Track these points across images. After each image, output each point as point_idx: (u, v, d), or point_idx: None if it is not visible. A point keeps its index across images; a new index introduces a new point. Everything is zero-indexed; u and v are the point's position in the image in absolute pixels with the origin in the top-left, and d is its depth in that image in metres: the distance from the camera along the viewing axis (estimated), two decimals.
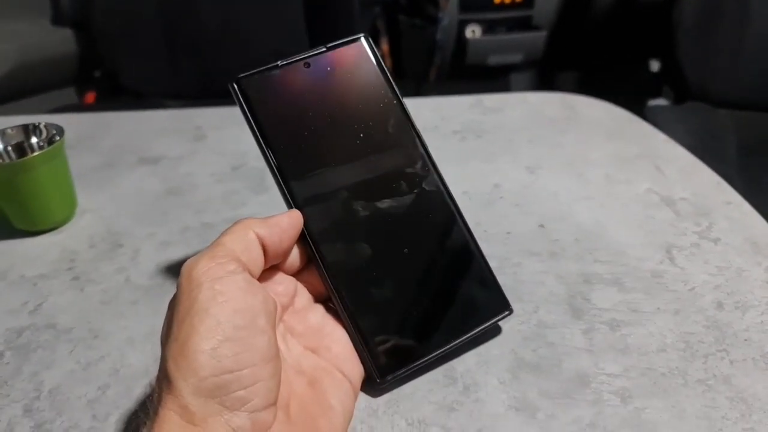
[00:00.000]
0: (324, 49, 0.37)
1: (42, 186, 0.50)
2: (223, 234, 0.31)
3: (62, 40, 1.35)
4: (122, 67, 1.34)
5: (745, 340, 0.37)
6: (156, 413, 0.26)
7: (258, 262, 0.31)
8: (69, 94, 1.42)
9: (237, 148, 0.65)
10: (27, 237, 0.52)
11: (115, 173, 0.62)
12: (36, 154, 0.49)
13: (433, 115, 0.71)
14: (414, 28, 1.73)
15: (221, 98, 0.36)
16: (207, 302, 0.27)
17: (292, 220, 0.33)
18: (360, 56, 0.38)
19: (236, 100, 0.36)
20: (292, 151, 0.35)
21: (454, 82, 1.75)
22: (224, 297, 0.27)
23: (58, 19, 1.35)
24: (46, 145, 0.52)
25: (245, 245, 0.30)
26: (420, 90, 1.77)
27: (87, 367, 0.38)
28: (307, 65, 0.37)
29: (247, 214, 0.52)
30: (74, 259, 0.48)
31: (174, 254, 0.48)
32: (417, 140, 0.38)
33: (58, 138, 0.51)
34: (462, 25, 1.65)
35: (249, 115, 0.35)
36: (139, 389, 0.36)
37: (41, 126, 0.53)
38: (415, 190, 0.37)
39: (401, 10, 1.76)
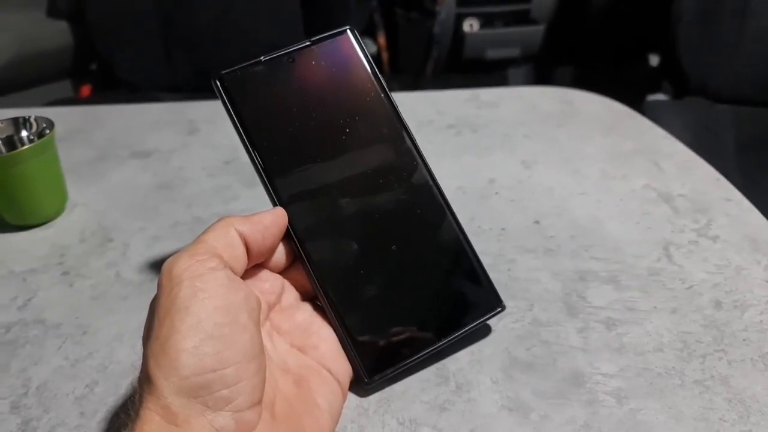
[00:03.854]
0: (308, 43, 0.36)
1: (32, 180, 0.49)
2: (204, 232, 0.30)
3: (57, 33, 1.34)
4: (117, 60, 1.33)
5: (744, 339, 0.37)
6: (137, 414, 0.25)
7: (240, 260, 0.30)
8: (64, 87, 1.41)
9: (229, 142, 0.64)
10: (17, 231, 0.51)
11: (106, 167, 0.61)
12: (25, 147, 0.48)
13: (429, 109, 0.71)
14: (411, 21, 1.72)
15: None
16: (188, 300, 0.26)
17: (276, 217, 0.33)
18: (346, 49, 0.37)
19: (219, 97, 0.35)
20: (277, 147, 0.35)
21: (451, 76, 1.74)
22: (205, 294, 0.27)
23: (53, 12, 1.34)
24: (36, 138, 0.51)
25: (227, 242, 0.30)
26: (417, 84, 1.76)
27: (75, 364, 0.37)
28: (291, 60, 0.36)
29: (238, 209, 0.52)
30: (64, 254, 0.48)
31: (164, 249, 0.48)
32: (405, 134, 0.37)
33: (48, 131, 0.50)
34: (459, 18, 1.65)
35: (232, 112, 0.35)
36: (126, 387, 0.35)
37: (31, 119, 0.52)
38: (403, 186, 0.36)
39: (398, 3, 1.75)
